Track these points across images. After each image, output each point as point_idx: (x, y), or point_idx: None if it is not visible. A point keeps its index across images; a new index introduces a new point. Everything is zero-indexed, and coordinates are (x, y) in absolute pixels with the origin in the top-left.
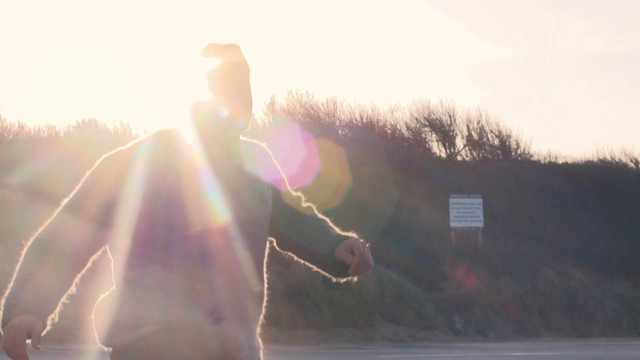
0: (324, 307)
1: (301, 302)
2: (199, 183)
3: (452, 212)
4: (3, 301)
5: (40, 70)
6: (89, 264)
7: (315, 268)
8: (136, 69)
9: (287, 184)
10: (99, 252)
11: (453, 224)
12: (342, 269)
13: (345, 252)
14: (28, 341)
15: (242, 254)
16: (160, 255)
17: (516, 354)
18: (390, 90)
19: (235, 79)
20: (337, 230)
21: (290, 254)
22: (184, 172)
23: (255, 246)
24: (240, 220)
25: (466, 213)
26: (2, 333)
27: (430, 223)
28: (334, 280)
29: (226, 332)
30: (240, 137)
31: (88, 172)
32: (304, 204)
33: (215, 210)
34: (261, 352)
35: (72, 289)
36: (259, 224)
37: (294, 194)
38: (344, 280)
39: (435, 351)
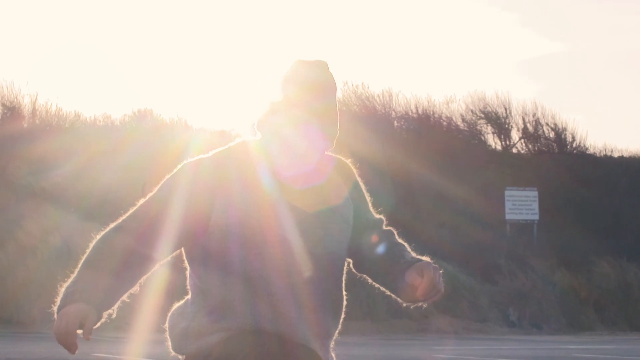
0: (379, 298)
1: (356, 294)
2: (272, 198)
3: (508, 205)
4: (63, 288)
5: (98, 60)
6: (156, 266)
7: (388, 292)
8: (199, 64)
9: (369, 204)
10: (169, 258)
11: (508, 217)
12: (412, 293)
13: (415, 274)
14: (79, 331)
15: (314, 268)
16: (226, 264)
17: (571, 347)
18: (446, 83)
19: (310, 92)
20: (413, 254)
21: (365, 276)
22: (252, 183)
23: (329, 261)
24: (316, 236)
25: (521, 205)
26: (55, 320)
27: (485, 215)
28: (404, 305)
29: (289, 339)
30: (326, 152)
31: (167, 176)
32: (385, 227)
33: (291, 224)
34: None
35: (136, 288)
36: (335, 240)
37: (376, 216)
38: (414, 305)
39: (489, 343)
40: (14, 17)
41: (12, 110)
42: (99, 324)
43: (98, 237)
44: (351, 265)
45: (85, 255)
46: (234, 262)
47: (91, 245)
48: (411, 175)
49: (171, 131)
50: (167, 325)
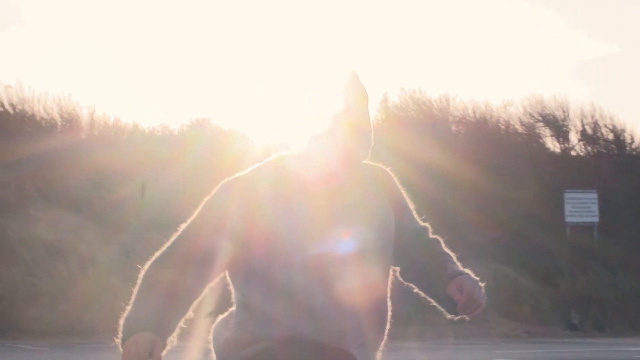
0: None
1: (417, 298)
2: (313, 211)
3: (567, 207)
4: (122, 321)
5: (157, 70)
6: (206, 290)
7: (433, 302)
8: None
9: (413, 212)
10: (217, 279)
11: (568, 219)
12: (453, 306)
13: (455, 289)
14: None
15: (357, 281)
16: (268, 280)
17: (633, 349)
18: (502, 86)
19: (364, 100)
20: (457, 265)
21: (411, 285)
22: (288, 199)
23: (372, 273)
24: (357, 248)
25: (581, 208)
26: (122, 350)
27: (545, 218)
28: (448, 316)
29: (332, 347)
30: (364, 161)
31: (207, 198)
32: (431, 236)
33: (330, 236)
34: None
35: (190, 313)
36: (377, 252)
37: (421, 224)
38: (457, 318)
39: (551, 347)
40: (74, 32)
41: (70, 122)
42: (165, 352)
43: (146, 266)
44: (397, 274)
45: (137, 285)
46: (275, 277)
47: (141, 274)
48: (470, 179)
49: (229, 140)
50: (210, 336)
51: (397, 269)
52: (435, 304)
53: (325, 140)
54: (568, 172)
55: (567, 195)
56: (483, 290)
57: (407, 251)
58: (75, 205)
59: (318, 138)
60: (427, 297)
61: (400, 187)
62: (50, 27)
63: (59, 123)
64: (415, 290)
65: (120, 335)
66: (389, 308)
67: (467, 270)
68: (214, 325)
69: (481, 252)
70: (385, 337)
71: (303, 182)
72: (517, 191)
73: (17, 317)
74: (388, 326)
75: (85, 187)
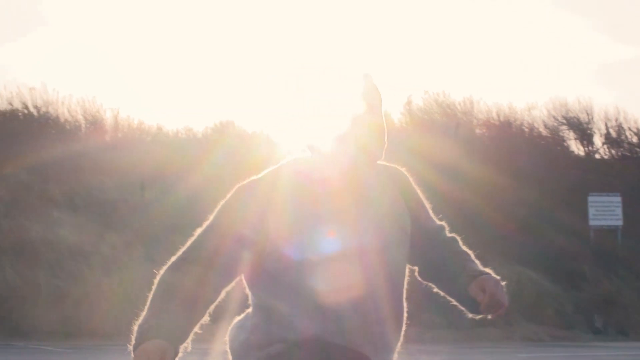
0: None
1: (441, 302)
2: (333, 213)
3: (591, 211)
4: (135, 327)
5: (181, 73)
6: (222, 294)
7: (453, 302)
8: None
9: (429, 211)
10: (233, 283)
11: (592, 223)
12: (475, 306)
13: (477, 289)
14: None
15: (373, 281)
16: (284, 283)
17: None
18: (526, 89)
19: (367, 108)
20: (476, 264)
21: (430, 284)
22: (316, 202)
23: (388, 273)
24: (373, 248)
25: (605, 211)
26: (133, 357)
27: (568, 221)
28: (470, 315)
29: (351, 348)
30: (379, 162)
31: (222, 202)
32: (448, 234)
33: (347, 238)
34: None
35: (206, 318)
36: (394, 252)
37: (437, 222)
38: (479, 317)
39: (575, 350)
40: (98, 35)
41: (95, 125)
42: (177, 359)
43: (162, 271)
44: (416, 273)
45: (152, 291)
46: (293, 279)
47: (157, 280)
48: (494, 182)
49: (253, 143)
50: (227, 338)
51: (416, 268)
52: (455, 302)
53: (346, 141)
54: (592, 175)
55: (591, 199)
56: (505, 290)
57: (425, 250)
58: (99, 207)
59: (340, 139)
60: (447, 295)
61: (415, 186)
62: (73, 29)
63: (83, 125)
64: (435, 289)
65: (132, 341)
66: (405, 309)
67: (488, 270)
68: (230, 327)
69: (505, 255)
70: (402, 338)
71: (321, 183)
72: (541, 194)
73: (40, 319)
74: (404, 327)
75: (109, 190)
